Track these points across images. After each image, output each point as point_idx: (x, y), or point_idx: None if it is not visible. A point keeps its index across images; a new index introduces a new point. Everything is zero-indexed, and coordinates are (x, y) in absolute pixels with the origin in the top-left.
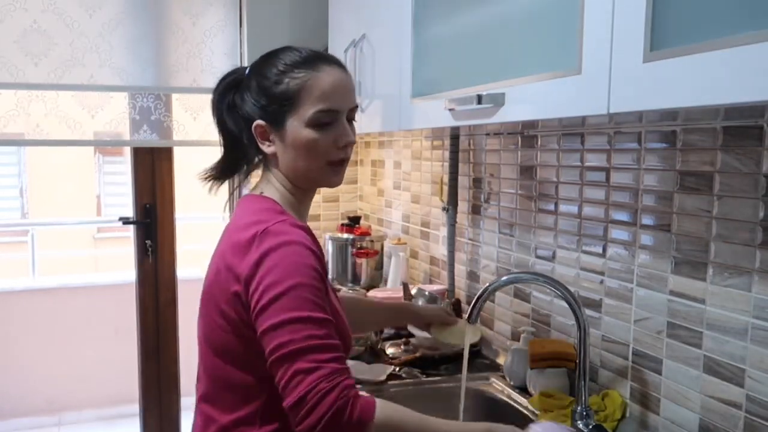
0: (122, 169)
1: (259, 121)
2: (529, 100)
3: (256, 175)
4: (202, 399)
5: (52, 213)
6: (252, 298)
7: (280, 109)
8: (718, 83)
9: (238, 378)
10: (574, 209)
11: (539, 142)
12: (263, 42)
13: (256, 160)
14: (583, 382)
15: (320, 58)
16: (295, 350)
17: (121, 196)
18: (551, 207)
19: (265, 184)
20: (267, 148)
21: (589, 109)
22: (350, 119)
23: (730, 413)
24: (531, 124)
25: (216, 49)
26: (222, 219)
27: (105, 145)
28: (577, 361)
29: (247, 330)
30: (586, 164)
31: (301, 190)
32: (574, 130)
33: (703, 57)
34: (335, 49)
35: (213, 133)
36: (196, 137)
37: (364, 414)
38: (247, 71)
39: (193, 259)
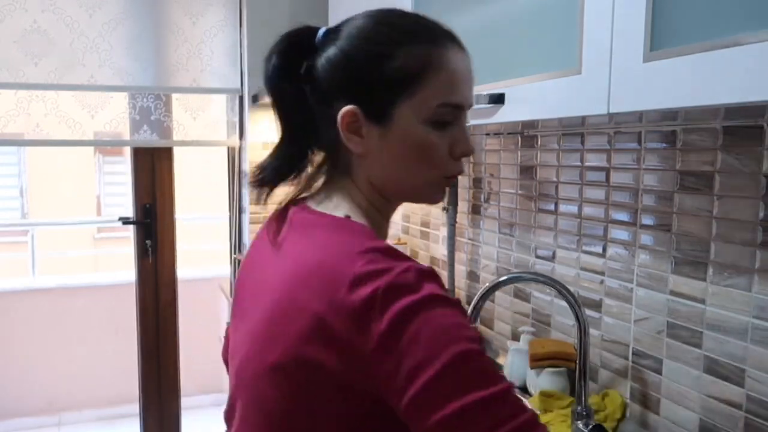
0: (122, 169)
1: (351, 107)
2: (529, 100)
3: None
4: None
5: (52, 213)
6: (394, 381)
7: (387, 95)
8: (718, 83)
9: None
10: (574, 209)
11: (539, 142)
12: (263, 42)
13: (323, 160)
14: (583, 382)
15: (445, 33)
16: None
17: (121, 196)
18: (551, 207)
19: (338, 194)
20: (354, 146)
21: (589, 109)
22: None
23: (730, 413)
24: (531, 124)
25: (216, 49)
26: (252, 235)
27: (105, 145)
28: (577, 361)
29: (344, 414)
30: (586, 164)
31: (389, 205)
32: (574, 130)
33: (703, 57)
34: None
35: (213, 133)
36: (196, 137)
37: None
38: (322, 32)
39: (193, 259)
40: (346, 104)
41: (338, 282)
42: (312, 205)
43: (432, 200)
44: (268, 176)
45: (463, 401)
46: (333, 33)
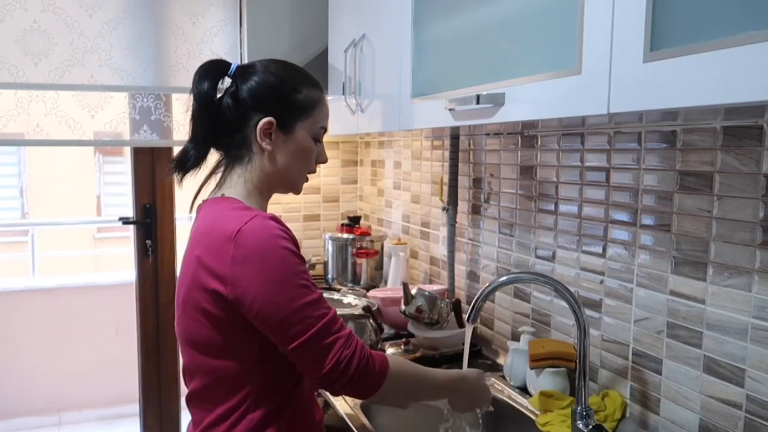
0: (122, 169)
1: (270, 118)
2: (529, 100)
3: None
4: (193, 396)
5: (52, 213)
6: (245, 297)
7: (293, 115)
8: (718, 83)
9: (224, 369)
10: (574, 209)
11: (539, 142)
12: (263, 42)
13: (229, 155)
14: (583, 382)
15: (321, 86)
16: (312, 334)
17: (121, 196)
18: (551, 207)
19: (229, 185)
20: (266, 145)
21: (589, 109)
22: None
23: (730, 413)
24: (531, 124)
25: (216, 49)
26: (189, 219)
27: (105, 145)
28: (577, 361)
29: (229, 324)
30: (586, 164)
31: (269, 192)
32: (574, 130)
33: (703, 57)
34: (335, 49)
35: None
36: None
37: (382, 365)
38: (235, 66)
39: None
40: (264, 116)
41: (213, 232)
42: (217, 193)
43: (299, 190)
44: (192, 163)
45: (292, 307)
46: (248, 68)
